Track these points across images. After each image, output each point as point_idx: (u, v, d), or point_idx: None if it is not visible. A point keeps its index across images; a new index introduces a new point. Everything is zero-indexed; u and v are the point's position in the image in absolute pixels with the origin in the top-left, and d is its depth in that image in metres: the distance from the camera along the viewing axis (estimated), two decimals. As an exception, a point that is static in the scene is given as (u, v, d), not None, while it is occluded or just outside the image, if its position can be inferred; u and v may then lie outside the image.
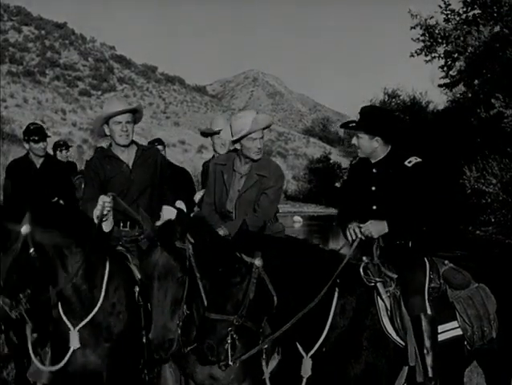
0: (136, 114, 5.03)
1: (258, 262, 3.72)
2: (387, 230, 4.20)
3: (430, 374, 3.93)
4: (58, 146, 9.52)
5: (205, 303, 3.99)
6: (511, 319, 4.34)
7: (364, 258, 4.19)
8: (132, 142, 5.05)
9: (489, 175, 15.66)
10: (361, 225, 4.23)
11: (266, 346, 3.94)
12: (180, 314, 3.91)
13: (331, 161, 54.80)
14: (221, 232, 4.60)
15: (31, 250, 3.99)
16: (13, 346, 5.69)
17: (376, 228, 4.20)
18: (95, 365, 4.33)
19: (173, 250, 3.94)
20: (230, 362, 3.67)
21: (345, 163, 52.38)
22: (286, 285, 3.82)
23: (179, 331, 3.89)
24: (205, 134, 6.49)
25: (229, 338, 3.63)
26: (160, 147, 7.42)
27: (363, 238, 4.22)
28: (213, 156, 6.47)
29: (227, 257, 3.79)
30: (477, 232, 15.70)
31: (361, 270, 4.11)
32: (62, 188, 6.19)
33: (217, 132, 6.23)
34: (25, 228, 3.98)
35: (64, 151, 9.47)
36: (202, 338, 3.69)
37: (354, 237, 4.23)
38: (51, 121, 54.14)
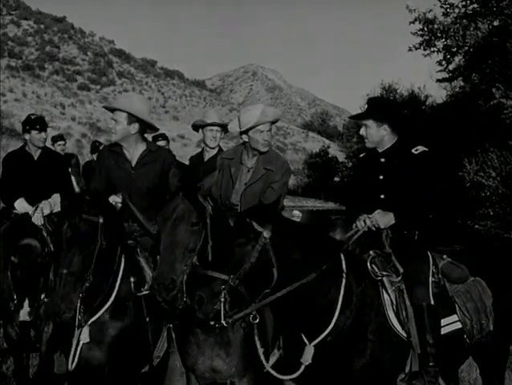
0: (136, 117, 4.90)
1: (266, 233, 3.72)
2: (393, 221, 4.24)
3: (431, 363, 3.93)
4: (55, 139, 9.75)
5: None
6: (505, 312, 4.38)
7: (371, 252, 4.19)
8: (144, 140, 5.07)
9: (488, 168, 15.63)
10: (369, 216, 4.26)
11: (257, 306, 3.84)
12: (189, 262, 3.85)
13: (330, 155, 54.71)
14: None
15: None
16: (11, 341, 5.71)
17: (383, 219, 4.23)
18: (100, 360, 4.31)
19: (195, 200, 3.95)
20: (223, 322, 3.63)
21: (343, 157, 52.37)
22: (289, 263, 3.79)
23: (184, 278, 3.81)
24: (196, 127, 6.44)
25: (222, 296, 3.59)
26: (163, 142, 7.42)
27: (373, 228, 4.25)
28: (203, 149, 6.43)
29: (238, 220, 3.83)
30: (476, 226, 15.68)
31: (368, 264, 4.11)
32: (59, 181, 6.16)
33: (210, 124, 6.21)
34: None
35: (61, 145, 9.64)
36: (194, 291, 3.64)
37: (361, 227, 4.26)
38: (50, 115, 53.99)
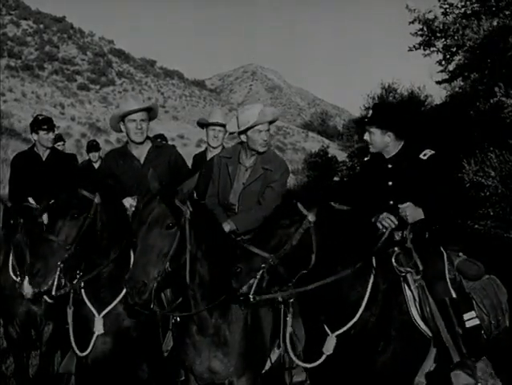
0: (150, 112, 5.14)
1: (311, 217, 3.77)
2: (422, 217, 4.24)
3: (464, 351, 3.98)
4: (54, 140, 9.67)
5: (188, 274, 3.96)
6: None
7: (396, 248, 4.22)
8: (148, 138, 5.17)
9: (487, 168, 15.64)
10: (399, 206, 4.26)
11: (286, 294, 3.90)
12: (162, 268, 3.77)
13: (330, 155, 54.69)
14: (228, 227, 4.59)
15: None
16: (11, 340, 5.72)
17: (413, 212, 4.24)
18: (112, 350, 4.38)
19: (171, 204, 3.91)
20: (250, 297, 3.64)
21: (343, 157, 52.33)
22: (328, 251, 3.83)
23: (155, 285, 3.73)
24: (201, 124, 6.51)
25: (260, 273, 3.63)
26: None
27: (395, 224, 4.25)
28: (206, 149, 6.47)
29: (284, 200, 3.89)
30: (476, 226, 15.67)
31: (393, 260, 4.14)
32: (68, 181, 6.18)
33: (213, 124, 6.25)
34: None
35: (61, 145, 9.59)
36: (235, 263, 3.69)
37: (389, 226, 4.26)
38: (50, 115, 53.53)
